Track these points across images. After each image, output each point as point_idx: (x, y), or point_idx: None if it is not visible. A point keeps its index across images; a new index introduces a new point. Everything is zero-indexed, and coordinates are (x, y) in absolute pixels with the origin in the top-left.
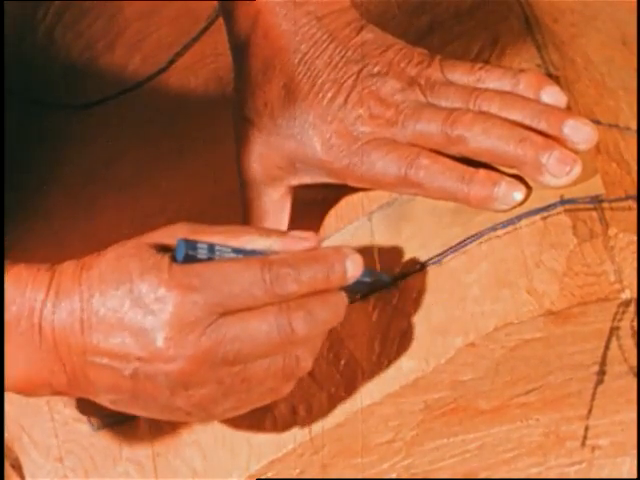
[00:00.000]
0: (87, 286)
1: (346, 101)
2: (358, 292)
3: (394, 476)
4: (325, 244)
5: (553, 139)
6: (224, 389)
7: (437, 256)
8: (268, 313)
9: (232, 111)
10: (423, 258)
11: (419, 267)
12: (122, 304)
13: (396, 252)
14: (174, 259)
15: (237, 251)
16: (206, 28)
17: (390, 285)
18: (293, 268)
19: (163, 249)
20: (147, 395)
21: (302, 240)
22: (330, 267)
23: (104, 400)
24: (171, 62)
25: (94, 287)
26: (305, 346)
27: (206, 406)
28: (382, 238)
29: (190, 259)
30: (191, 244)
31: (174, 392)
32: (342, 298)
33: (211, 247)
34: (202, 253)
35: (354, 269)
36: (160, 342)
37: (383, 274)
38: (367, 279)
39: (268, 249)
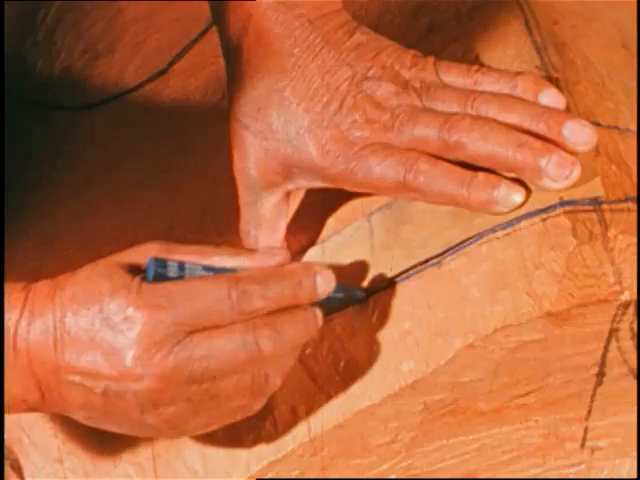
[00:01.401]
0: (60, 306)
1: (341, 106)
2: (332, 308)
3: (393, 477)
4: (325, 245)
5: (552, 141)
6: (193, 406)
7: (436, 257)
8: (235, 331)
9: (227, 116)
10: (422, 259)
11: (386, 284)
12: (93, 323)
13: (365, 267)
14: (145, 278)
15: (207, 269)
16: (206, 30)
17: (364, 300)
18: (260, 284)
19: (134, 268)
20: (118, 412)
21: (272, 256)
22: (298, 283)
23: (78, 416)
24: (171, 64)
25: (67, 307)
26: (274, 363)
27: (176, 423)
28: (381, 239)
29: (160, 277)
30: (161, 262)
31: (144, 410)
32: (313, 314)
33: (181, 265)
34: (172, 271)
35: (325, 285)
36: (128, 361)
37: (356, 289)
38: (340, 295)
39: (239, 267)
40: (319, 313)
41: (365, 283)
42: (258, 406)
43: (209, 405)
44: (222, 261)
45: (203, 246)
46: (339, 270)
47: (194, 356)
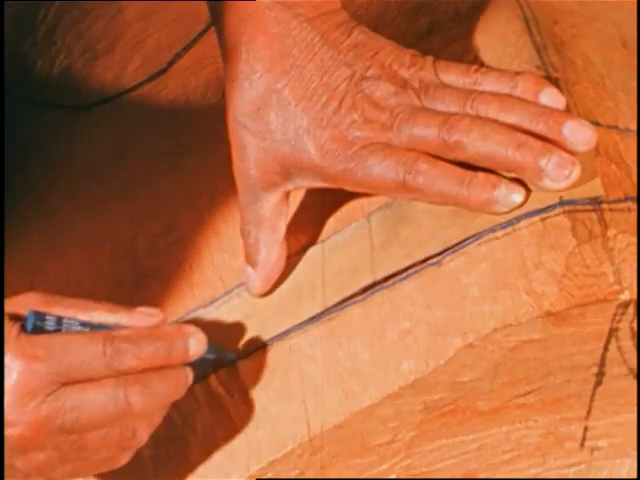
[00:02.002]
0: None
1: (340, 106)
2: (203, 367)
3: (393, 477)
4: (325, 245)
5: (552, 141)
6: (61, 455)
7: (436, 256)
8: (106, 386)
9: (226, 116)
10: (421, 258)
11: (261, 345)
12: None
13: (240, 329)
14: (24, 329)
15: (84, 324)
16: (206, 30)
17: (234, 362)
18: (134, 344)
19: (15, 318)
20: None
21: (149, 316)
22: (171, 345)
23: None
24: (171, 63)
25: None
26: (142, 419)
27: (44, 470)
28: (381, 239)
29: (38, 330)
30: (40, 316)
31: (13, 455)
32: (184, 374)
33: (59, 320)
34: (50, 325)
35: (197, 347)
36: (3, 407)
37: (227, 351)
38: (211, 356)
39: (116, 324)
40: (190, 373)
41: (240, 344)
42: (124, 460)
43: (77, 455)
44: (100, 317)
45: (84, 300)
46: (215, 330)
47: (65, 407)
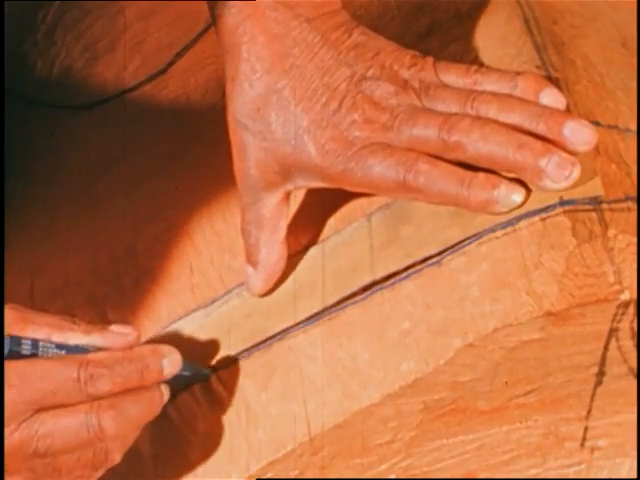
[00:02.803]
0: None
1: (340, 106)
2: (179, 384)
3: (393, 477)
4: (325, 244)
5: (552, 142)
6: (35, 476)
7: (436, 256)
8: (80, 412)
9: (226, 116)
10: (421, 258)
11: (233, 360)
12: None
13: (214, 345)
14: None
15: (60, 347)
16: (206, 29)
17: (208, 378)
18: (108, 368)
19: None
20: None
21: (122, 335)
22: (145, 367)
23: None
24: (171, 63)
25: None
26: (115, 442)
27: None
28: (381, 239)
29: (15, 355)
30: (16, 340)
31: None
32: (158, 394)
33: (35, 344)
34: (26, 349)
35: (171, 367)
36: None
37: (202, 368)
38: (187, 373)
39: (90, 345)
40: (165, 391)
41: (213, 361)
42: (96, 477)
43: (51, 476)
44: (75, 338)
45: (58, 319)
46: (189, 348)
47: (39, 434)
